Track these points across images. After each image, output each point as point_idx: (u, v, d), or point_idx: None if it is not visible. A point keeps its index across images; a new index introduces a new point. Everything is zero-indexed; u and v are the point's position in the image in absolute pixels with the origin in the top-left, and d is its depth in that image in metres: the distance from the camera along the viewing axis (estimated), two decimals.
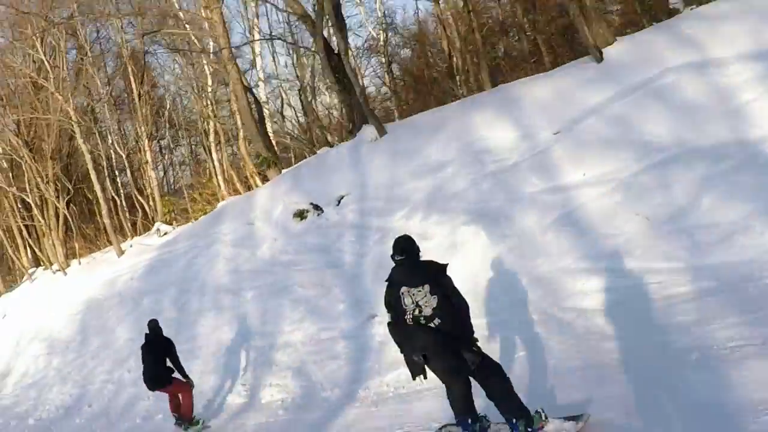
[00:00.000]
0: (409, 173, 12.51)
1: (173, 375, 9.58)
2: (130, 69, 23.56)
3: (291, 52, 25.33)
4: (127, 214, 23.94)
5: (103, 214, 20.22)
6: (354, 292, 11.11)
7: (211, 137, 23.75)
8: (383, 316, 8.21)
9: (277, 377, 10.38)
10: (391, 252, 5.14)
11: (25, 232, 24.92)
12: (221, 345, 12.10)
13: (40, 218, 22.58)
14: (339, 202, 13.04)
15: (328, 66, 14.73)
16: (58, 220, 23.21)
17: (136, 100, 23.46)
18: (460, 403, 4.87)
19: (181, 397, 9.72)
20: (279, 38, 20.33)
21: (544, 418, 4.80)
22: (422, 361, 4.87)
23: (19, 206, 24.96)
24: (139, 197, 24.20)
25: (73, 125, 20.23)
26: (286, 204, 14.09)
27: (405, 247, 5.05)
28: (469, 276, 9.14)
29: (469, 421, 4.87)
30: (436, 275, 4.92)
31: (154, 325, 10.02)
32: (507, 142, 11.61)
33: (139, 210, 24.00)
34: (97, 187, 20.38)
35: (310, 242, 12.80)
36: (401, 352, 5.11)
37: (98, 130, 24.34)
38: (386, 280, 5.17)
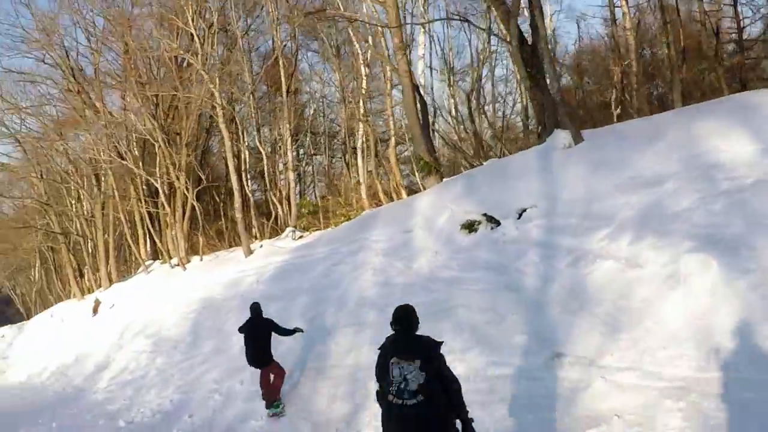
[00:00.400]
0: (615, 187, 10.76)
1: (273, 357, 11.19)
2: (281, 62, 23.22)
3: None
4: (255, 217, 23.38)
5: (236, 207, 19.76)
6: (535, 323, 9.48)
7: (359, 143, 22.91)
8: (573, 357, 8.17)
9: None
10: (396, 319, 5.53)
11: (147, 221, 24.98)
12: (359, 368, 10.74)
13: (167, 206, 22.38)
14: (520, 215, 11.48)
15: (519, 57, 13.31)
16: (184, 212, 23.02)
17: (284, 96, 23.04)
18: None
19: (273, 377, 11.11)
20: (460, 18, 19.00)
21: None
22: None
23: (145, 194, 25.12)
24: (273, 199, 23.68)
25: (216, 108, 19.89)
26: (453, 213, 12.70)
27: (403, 317, 5.39)
28: (693, 317, 7.51)
29: None
30: (429, 351, 5.15)
31: (256, 307, 11.56)
32: (745, 156, 9.68)
33: (272, 213, 23.43)
34: (233, 178, 19.96)
35: (480, 258, 11.28)
36: (382, 424, 5.27)
37: (238, 123, 24.07)
38: (379, 348, 5.52)
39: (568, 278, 9.59)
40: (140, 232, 26.25)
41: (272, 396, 10.99)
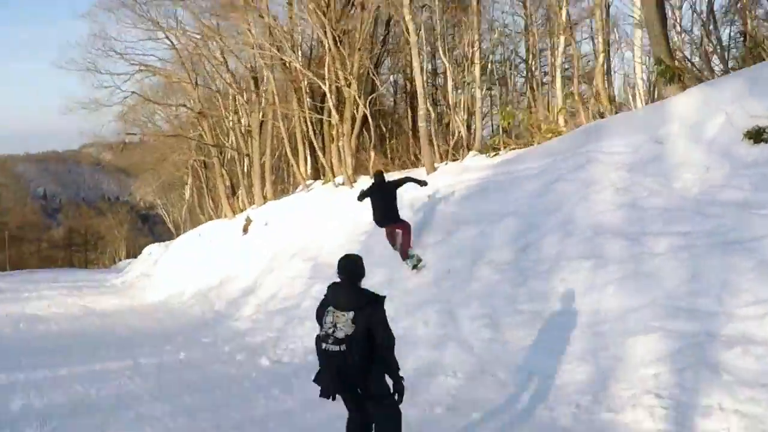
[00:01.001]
0: None
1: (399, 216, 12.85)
2: None
3: None
4: (435, 135, 20.97)
5: (420, 115, 17.47)
6: None
7: (558, 60, 19.75)
8: None
9: (728, 396, 6.18)
10: (341, 269, 5.72)
11: (310, 135, 23.27)
12: (599, 316, 8.15)
13: (334, 112, 20.46)
14: None
15: None
16: (353, 124, 21.01)
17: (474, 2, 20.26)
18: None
19: (401, 234, 12.74)
20: None
21: None
22: (334, 385, 5.40)
23: (309, 106, 23.34)
24: (455, 118, 21.19)
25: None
26: (729, 116, 9.63)
27: (347, 267, 5.67)
28: None
29: None
30: (364, 305, 5.38)
31: (379, 173, 13.66)
32: None
33: (454, 133, 20.98)
34: (418, 81, 17.53)
35: None
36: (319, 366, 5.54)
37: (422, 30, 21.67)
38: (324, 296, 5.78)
39: None
40: (301, 147, 24.65)
41: (405, 249, 12.66)
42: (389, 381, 5.45)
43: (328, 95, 20.71)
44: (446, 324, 10.11)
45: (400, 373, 5.41)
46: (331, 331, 5.34)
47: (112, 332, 15.99)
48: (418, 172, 17.00)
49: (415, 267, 12.42)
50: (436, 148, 19.07)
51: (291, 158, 24.40)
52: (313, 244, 17.17)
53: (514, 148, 15.89)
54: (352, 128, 21.08)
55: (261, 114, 26.21)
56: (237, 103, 28.86)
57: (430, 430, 7.18)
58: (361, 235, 15.45)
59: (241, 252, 21.53)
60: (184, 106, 31.37)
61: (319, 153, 22.64)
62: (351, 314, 5.31)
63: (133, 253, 72.09)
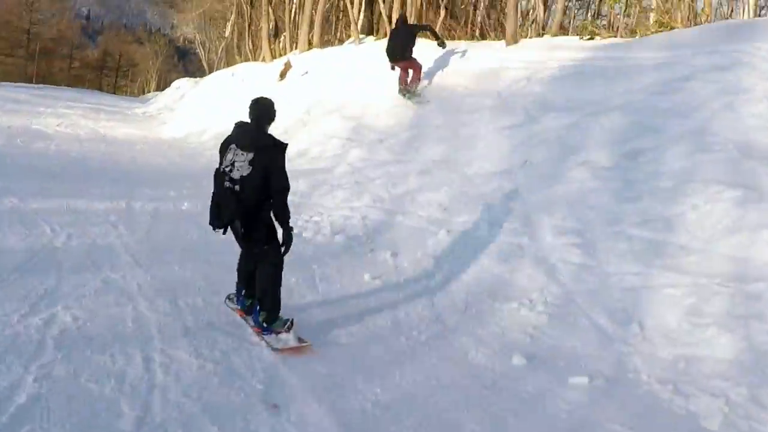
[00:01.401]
0: None
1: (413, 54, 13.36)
2: None
3: None
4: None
5: None
6: None
7: None
8: None
9: None
10: (250, 110, 5.60)
11: None
12: (753, 265, 5.84)
13: None
14: None
15: None
16: None
17: None
18: (242, 272, 5.84)
19: (411, 72, 13.42)
20: None
21: (286, 328, 5.34)
22: (219, 221, 5.48)
23: None
24: None
25: None
26: None
27: (257, 110, 5.55)
28: None
29: (242, 292, 5.84)
30: (266, 148, 5.34)
31: (402, 16, 14.56)
32: None
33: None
34: None
35: None
36: (212, 198, 5.61)
37: None
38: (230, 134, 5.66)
39: None
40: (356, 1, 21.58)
41: (412, 85, 13.34)
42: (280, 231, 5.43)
43: None
44: (520, 231, 7.76)
45: (290, 221, 5.39)
46: (228, 169, 5.41)
47: (114, 164, 13.94)
48: (495, 44, 14.36)
49: (409, 98, 13.30)
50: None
51: (347, 3, 21.27)
52: (357, 104, 14.71)
53: (610, 37, 13.14)
54: None
55: None
56: None
57: (511, 387, 4.98)
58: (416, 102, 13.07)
59: (274, 98, 19.10)
60: None
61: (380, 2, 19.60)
62: (250, 155, 5.32)
63: (163, 86, 70.57)
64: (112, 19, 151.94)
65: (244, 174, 5.27)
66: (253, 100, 5.65)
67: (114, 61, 78.79)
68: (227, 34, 37.36)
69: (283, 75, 20.48)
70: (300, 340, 5.36)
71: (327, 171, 12.05)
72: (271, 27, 26.67)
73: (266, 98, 5.75)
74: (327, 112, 15.18)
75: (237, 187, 5.30)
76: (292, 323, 5.37)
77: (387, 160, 11.43)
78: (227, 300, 6.10)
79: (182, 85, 35.18)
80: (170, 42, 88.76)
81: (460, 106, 11.92)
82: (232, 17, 35.85)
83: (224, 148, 5.60)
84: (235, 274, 5.95)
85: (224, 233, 5.57)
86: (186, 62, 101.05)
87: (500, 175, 9.36)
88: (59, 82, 61.04)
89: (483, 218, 8.36)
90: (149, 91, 64.21)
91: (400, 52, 13.42)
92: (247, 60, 31.37)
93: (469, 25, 19.38)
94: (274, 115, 5.66)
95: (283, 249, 5.37)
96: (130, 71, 79.18)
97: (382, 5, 19.29)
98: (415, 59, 13.40)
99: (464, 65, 13.56)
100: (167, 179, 12.51)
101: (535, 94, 10.90)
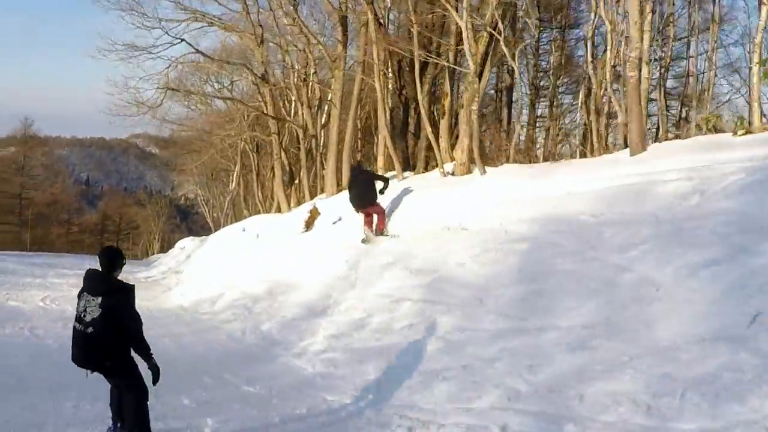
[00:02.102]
0: None
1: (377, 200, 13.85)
2: None
3: None
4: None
5: (630, 61, 11.35)
6: None
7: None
8: None
9: None
10: (99, 259, 6.02)
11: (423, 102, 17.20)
12: None
13: (472, 64, 14.36)
14: None
15: None
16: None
17: None
18: (113, 405, 6.24)
19: (377, 217, 13.79)
20: None
21: None
22: (80, 360, 5.84)
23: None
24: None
25: None
26: None
27: (104, 259, 6.00)
28: None
29: (118, 424, 6.19)
30: (113, 293, 5.79)
31: (356, 165, 16.48)
32: None
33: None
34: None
35: None
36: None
37: None
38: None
39: None
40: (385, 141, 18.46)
41: (380, 229, 13.78)
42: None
43: (466, 35, 14.20)
44: None
45: (151, 353, 5.84)
46: (83, 315, 5.78)
47: None
48: (608, 158, 11.10)
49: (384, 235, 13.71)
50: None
51: (384, 132, 18.04)
52: (424, 250, 11.23)
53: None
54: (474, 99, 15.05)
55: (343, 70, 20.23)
56: (310, 59, 22.82)
57: None
58: (514, 244, 9.56)
59: (301, 253, 15.60)
60: (245, 66, 25.12)
61: (427, 127, 16.31)
62: (99, 299, 5.71)
63: (167, 247, 67.91)
64: (111, 184, 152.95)
65: (95, 316, 5.66)
66: (100, 250, 6.26)
67: (115, 225, 76.62)
68: (232, 186, 34.51)
69: (309, 224, 17.15)
70: None
71: (406, 351, 8.42)
72: (285, 170, 23.60)
73: (112, 247, 6.56)
74: (383, 266, 11.67)
75: (90, 329, 5.70)
76: None
77: (501, 329, 7.81)
78: None
79: (187, 244, 31.97)
80: (171, 202, 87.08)
81: (597, 240, 8.40)
82: (237, 166, 33.11)
83: (79, 296, 5.96)
84: None
85: (88, 372, 5.87)
86: (189, 222, 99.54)
87: (720, 343, 5.71)
88: (58, 249, 58.28)
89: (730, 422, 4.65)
90: (152, 253, 61.81)
91: (362, 200, 13.84)
92: (258, 212, 28.31)
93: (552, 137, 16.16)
94: (120, 262, 6.08)
95: (152, 380, 5.81)
96: (132, 234, 76.79)
97: (430, 132, 16.05)
98: (378, 204, 13.88)
99: (579, 186, 10.15)
100: (177, 377, 8.75)
101: (728, 213, 7.35)
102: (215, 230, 38.16)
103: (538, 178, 11.62)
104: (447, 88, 17.61)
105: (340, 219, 15.85)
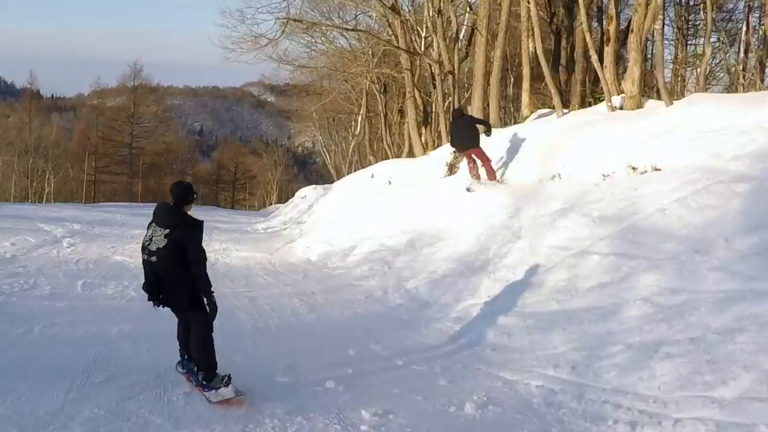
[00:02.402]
0: None
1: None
2: None
3: None
4: None
5: None
6: None
7: None
8: None
9: None
10: (171, 192, 6.37)
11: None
12: None
13: None
14: None
15: None
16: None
17: None
18: (180, 338, 6.50)
19: (484, 165, 13.79)
20: None
21: (224, 383, 5.93)
22: (150, 292, 6.18)
23: None
24: None
25: None
26: None
27: (175, 193, 6.32)
28: None
29: (185, 356, 6.49)
30: (180, 226, 6.02)
31: (458, 109, 15.44)
32: None
33: None
34: None
35: None
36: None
37: None
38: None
39: None
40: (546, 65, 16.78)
41: (491, 178, 13.81)
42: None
43: None
44: None
45: (212, 290, 6.10)
46: (147, 244, 6.09)
47: (222, 321, 9.35)
48: None
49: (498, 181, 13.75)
50: None
51: (542, 64, 16.35)
52: (614, 198, 9.77)
53: None
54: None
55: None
56: None
57: None
58: (729, 186, 8.02)
59: (445, 201, 14.40)
60: None
61: (593, 54, 14.59)
62: (166, 231, 5.96)
63: (284, 198, 68.34)
64: (225, 133, 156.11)
65: (160, 246, 5.93)
66: (173, 184, 6.51)
67: (230, 175, 77.64)
68: (357, 129, 33.49)
69: (453, 167, 15.87)
70: (237, 392, 5.94)
71: (602, 317, 7.10)
72: (419, 110, 22.29)
73: (185, 181, 6.82)
74: (553, 213, 10.32)
75: (153, 259, 5.99)
76: (229, 379, 5.94)
77: (733, 291, 6.35)
78: (177, 366, 6.58)
79: (308, 193, 31.37)
80: (288, 151, 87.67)
81: None
82: (362, 110, 32.06)
83: (148, 226, 6.24)
84: None
85: (156, 305, 6.19)
86: (306, 171, 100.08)
87: None
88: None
89: None
90: (270, 204, 62.22)
91: (466, 141, 13.91)
92: (386, 158, 27.26)
93: None
94: (191, 198, 6.32)
95: (208, 311, 6.05)
96: (249, 184, 77.71)
97: (596, 60, 14.32)
98: (481, 148, 13.85)
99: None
100: (316, 349, 7.79)
101: None
102: (337, 178, 37.50)
103: (749, 106, 9.88)
104: (612, 9, 15.81)
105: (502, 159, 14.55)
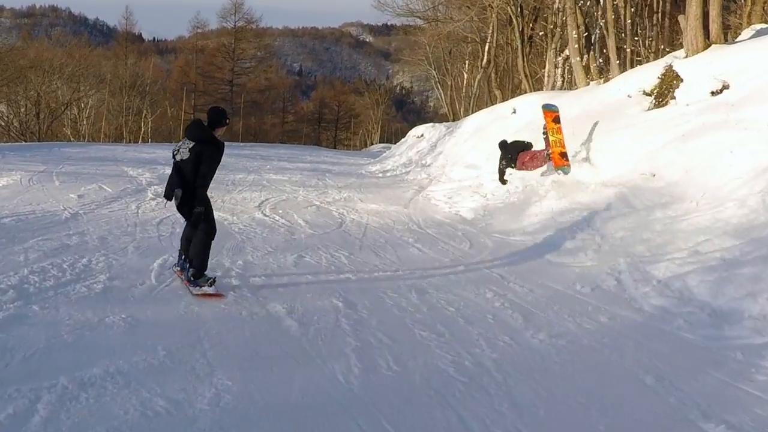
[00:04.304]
0: None
1: None
2: None
3: None
4: None
5: None
6: None
7: None
8: None
9: None
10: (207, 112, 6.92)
11: None
12: None
13: None
14: None
15: None
16: None
17: None
18: (183, 240, 6.85)
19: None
20: None
21: (209, 284, 6.36)
22: (170, 188, 6.67)
23: None
24: None
25: None
26: None
27: (210, 115, 6.74)
28: None
29: (182, 257, 6.84)
30: (203, 140, 6.49)
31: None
32: None
33: None
34: None
35: None
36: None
37: None
38: None
39: None
40: None
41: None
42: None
43: None
44: None
45: (202, 208, 6.47)
46: (174, 153, 6.66)
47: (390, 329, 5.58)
48: None
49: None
50: None
51: None
52: None
53: None
54: None
55: None
56: None
57: None
58: None
59: (667, 141, 10.02)
60: None
61: None
62: (192, 144, 6.45)
63: (386, 137, 64.71)
64: (325, 73, 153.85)
65: (185, 158, 6.44)
66: (210, 109, 6.91)
67: (332, 113, 74.17)
68: (485, 60, 28.83)
69: (663, 97, 11.38)
70: (217, 292, 6.34)
71: None
72: (581, 30, 17.60)
73: (220, 107, 7.03)
74: None
75: (179, 166, 6.55)
76: (214, 280, 6.44)
77: None
78: (173, 267, 7.14)
79: (426, 132, 27.26)
80: (387, 92, 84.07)
81: None
82: (492, 37, 27.42)
83: (182, 138, 6.78)
84: None
85: (169, 200, 6.67)
86: (404, 111, 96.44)
87: None
88: (272, 139, 56.69)
89: None
90: (371, 144, 58.65)
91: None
92: (520, 93, 22.83)
93: None
94: (223, 120, 6.68)
95: (192, 224, 6.58)
96: (352, 123, 74.10)
97: None
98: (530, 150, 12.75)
99: None
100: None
101: None
102: (453, 118, 33.23)
103: None
104: None
105: (725, 86, 10.03)
